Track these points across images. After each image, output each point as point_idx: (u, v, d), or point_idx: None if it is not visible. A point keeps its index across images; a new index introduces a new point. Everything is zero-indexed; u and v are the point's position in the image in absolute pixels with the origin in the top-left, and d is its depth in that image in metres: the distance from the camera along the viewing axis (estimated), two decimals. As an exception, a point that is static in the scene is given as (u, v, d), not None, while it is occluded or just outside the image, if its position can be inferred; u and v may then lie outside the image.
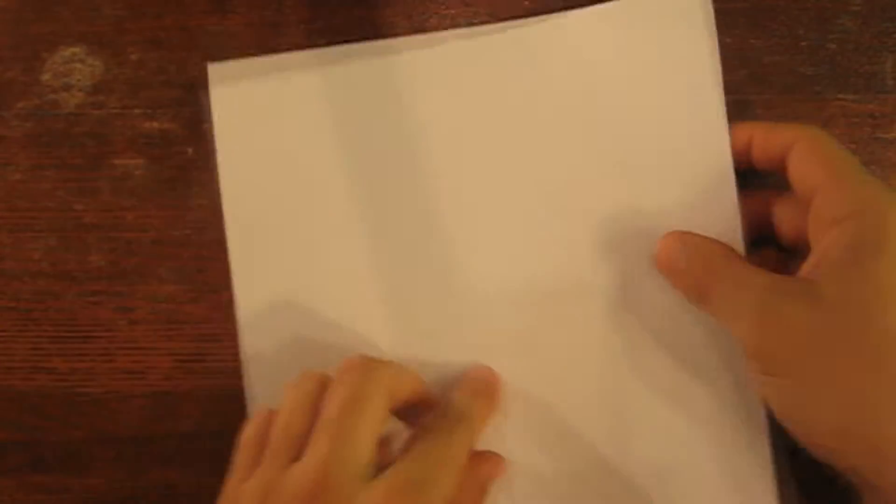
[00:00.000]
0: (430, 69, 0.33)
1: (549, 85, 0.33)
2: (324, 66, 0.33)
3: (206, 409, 0.32)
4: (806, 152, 0.29)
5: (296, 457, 0.27)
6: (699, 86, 0.32)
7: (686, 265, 0.31)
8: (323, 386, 0.29)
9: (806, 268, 0.28)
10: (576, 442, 0.32)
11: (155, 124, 0.35)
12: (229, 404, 0.33)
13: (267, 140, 0.33)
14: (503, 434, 0.32)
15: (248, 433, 0.30)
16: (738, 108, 0.35)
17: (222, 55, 0.36)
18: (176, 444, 0.34)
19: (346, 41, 0.35)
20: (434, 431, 0.29)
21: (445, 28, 0.35)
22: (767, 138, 0.31)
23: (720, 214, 0.32)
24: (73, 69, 0.36)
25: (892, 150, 0.35)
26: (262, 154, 0.33)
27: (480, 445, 0.31)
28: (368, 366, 0.29)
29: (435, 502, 0.27)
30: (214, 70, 0.33)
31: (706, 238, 0.31)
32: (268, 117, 0.33)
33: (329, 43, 0.36)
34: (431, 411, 0.31)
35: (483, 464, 0.32)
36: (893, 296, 0.25)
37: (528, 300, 0.33)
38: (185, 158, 0.35)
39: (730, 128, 0.32)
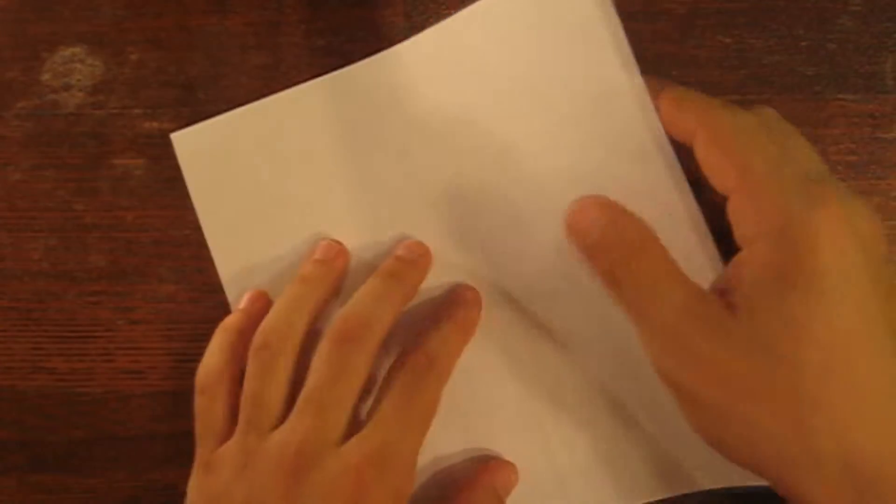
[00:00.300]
0: (319, 104, 0.34)
1: (465, 83, 0.33)
2: (273, 113, 0.34)
3: (206, 409, 0.32)
4: (711, 145, 0.26)
5: (273, 423, 0.29)
6: (607, 58, 0.30)
7: (600, 240, 0.27)
8: (292, 344, 0.30)
9: (725, 278, 0.26)
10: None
11: (155, 124, 0.35)
12: (229, 404, 0.33)
13: (234, 174, 0.34)
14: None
15: (208, 394, 0.31)
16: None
17: (222, 55, 0.36)
18: (176, 444, 0.34)
19: (346, 41, 0.36)
20: (403, 386, 0.30)
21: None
22: (675, 115, 0.27)
23: (661, 185, 0.30)
24: (73, 69, 0.36)
25: (892, 150, 0.35)
26: (231, 181, 0.34)
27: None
28: (359, 336, 0.30)
29: (406, 459, 0.29)
30: (177, 136, 0.34)
31: (628, 215, 0.27)
32: (228, 158, 0.34)
33: (328, 43, 0.36)
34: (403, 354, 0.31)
35: (497, 472, 0.32)
36: (805, 333, 0.24)
37: (493, 288, 0.33)
38: (185, 158, 0.35)
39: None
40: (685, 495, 0.33)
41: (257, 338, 0.31)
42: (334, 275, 0.32)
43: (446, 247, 0.33)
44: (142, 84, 0.36)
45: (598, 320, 0.32)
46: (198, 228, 0.34)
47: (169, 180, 0.35)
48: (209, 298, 0.34)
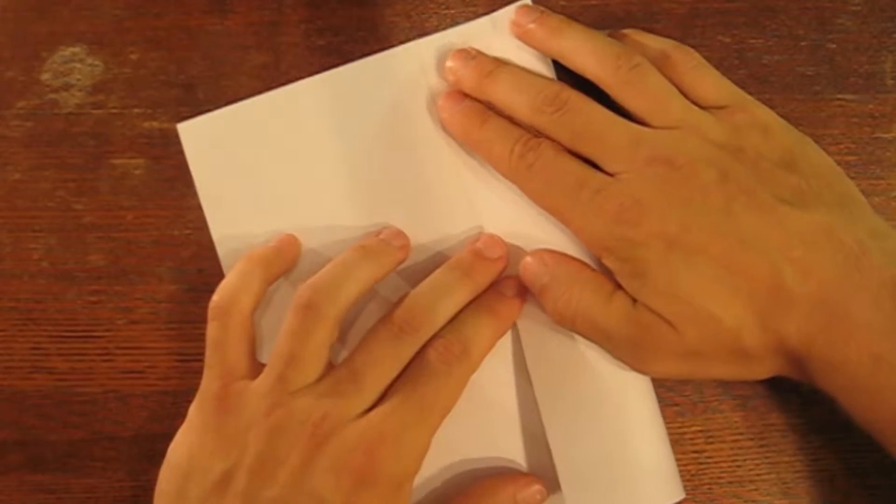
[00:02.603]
0: (322, 99, 0.35)
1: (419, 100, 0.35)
2: (272, 109, 0.35)
3: (206, 409, 0.32)
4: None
5: (304, 383, 0.29)
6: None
7: (549, 282, 0.31)
8: (337, 311, 0.30)
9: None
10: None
11: (155, 124, 0.35)
12: (229, 404, 0.33)
13: (238, 165, 0.34)
14: None
15: (220, 322, 0.31)
16: (738, 108, 0.35)
17: (222, 55, 0.36)
18: (176, 444, 0.34)
19: (346, 41, 0.36)
20: (433, 371, 0.30)
21: (445, 27, 0.35)
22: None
23: None
24: (73, 69, 0.36)
25: (892, 150, 0.35)
26: (234, 172, 0.34)
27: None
28: (418, 328, 0.30)
29: (419, 443, 0.29)
30: (183, 127, 0.35)
31: (561, 257, 0.32)
32: (233, 150, 0.35)
33: (328, 43, 0.36)
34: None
35: (524, 487, 0.32)
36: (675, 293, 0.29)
37: None
38: (184, 158, 0.35)
39: None
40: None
41: (303, 292, 0.30)
42: (393, 259, 0.32)
43: (440, 237, 0.34)
44: (141, 84, 0.36)
45: None
46: (198, 228, 0.35)
47: (169, 180, 0.35)
48: (209, 298, 0.34)
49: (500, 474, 0.32)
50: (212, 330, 0.31)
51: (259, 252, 0.32)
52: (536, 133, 0.32)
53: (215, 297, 0.31)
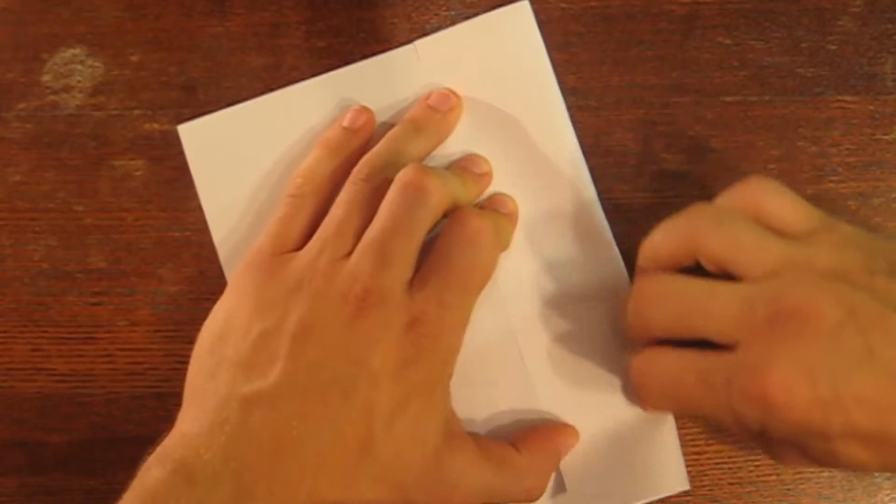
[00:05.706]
0: (323, 100, 0.35)
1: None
2: (271, 110, 0.35)
3: (207, 410, 0.32)
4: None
5: (345, 254, 0.29)
6: (539, 91, 0.34)
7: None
8: (383, 184, 0.30)
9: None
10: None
11: (155, 125, 0.35)
12: (229, 405, 0.33)
13: (239, 166, 0.35)
14: None
15: (298, 199, 0.32)
16: (739, 110, 0.35)
17: (222, 56, 0.36)
18: (176, 446, 0.34)
19: (347, 42, 0.36)
20: (464, 248, 0.30)
21: (445, 28, 0.35)
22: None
23: (583, 211, 0.34)
24: (74, 70, 0.36)
25: (892, 151, 0.35)
26: (235, 174, 0.35)
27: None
28: (422, 190, 0.30)
29: (461, 321, 0.30)
30: (184, 128, 0.35)
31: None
32: (233, 151, 0.35)
33: (329, 44, 0.36)
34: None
35: (564, 437, 0.32)
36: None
37: None
38: (184, 159, 0.35)
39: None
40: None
41: (363, 168, 0.31)
42: (446, 126, 0.34)
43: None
44: (142, 85, 0.36)
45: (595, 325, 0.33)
46: (198, 230, 0.35)
47: (169, 181, 0.35)
48: (209, 299, 0.34)
49: (549, 424, 0.33)
50: (287, 204, 0.32)
51: (332, 137, 0.33)
52: None
53: (297, 181, 0.32)
